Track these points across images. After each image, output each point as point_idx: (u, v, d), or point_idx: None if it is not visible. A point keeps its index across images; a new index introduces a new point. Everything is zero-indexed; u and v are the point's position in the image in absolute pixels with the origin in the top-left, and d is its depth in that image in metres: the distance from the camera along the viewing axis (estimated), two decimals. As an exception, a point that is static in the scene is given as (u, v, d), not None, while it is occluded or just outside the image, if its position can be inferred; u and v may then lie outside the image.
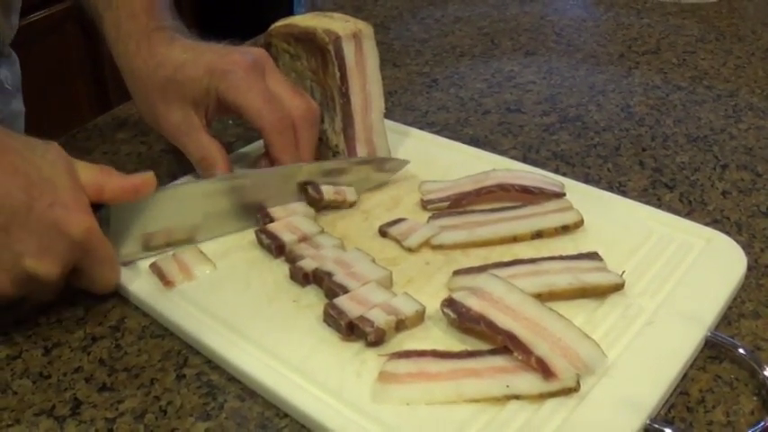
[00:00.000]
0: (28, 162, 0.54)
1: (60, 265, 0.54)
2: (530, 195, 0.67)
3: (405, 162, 0.72)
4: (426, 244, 0.62)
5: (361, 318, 0.53)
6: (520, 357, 0.49)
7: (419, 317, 0.54)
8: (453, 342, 0.53)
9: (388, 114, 0.75)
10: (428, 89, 0.95)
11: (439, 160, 0.75)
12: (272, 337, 0.54)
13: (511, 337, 0.50)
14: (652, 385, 0.49)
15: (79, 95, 1.93)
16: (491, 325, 0.51)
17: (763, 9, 1.18)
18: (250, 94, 0.66)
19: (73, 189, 0.55)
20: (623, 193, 0.71)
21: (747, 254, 0.60)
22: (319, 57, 0.70)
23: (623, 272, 0.57)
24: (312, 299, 0.58)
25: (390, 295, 0.55)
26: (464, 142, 0.79)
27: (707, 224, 0.65)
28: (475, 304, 0.53)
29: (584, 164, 0.77)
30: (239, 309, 0.57)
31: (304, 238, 0.62)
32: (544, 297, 0.54)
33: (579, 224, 0.63)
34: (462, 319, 0.52)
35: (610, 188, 0.72)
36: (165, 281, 0.59)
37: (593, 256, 0.59)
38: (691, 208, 0.70)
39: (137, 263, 0.62)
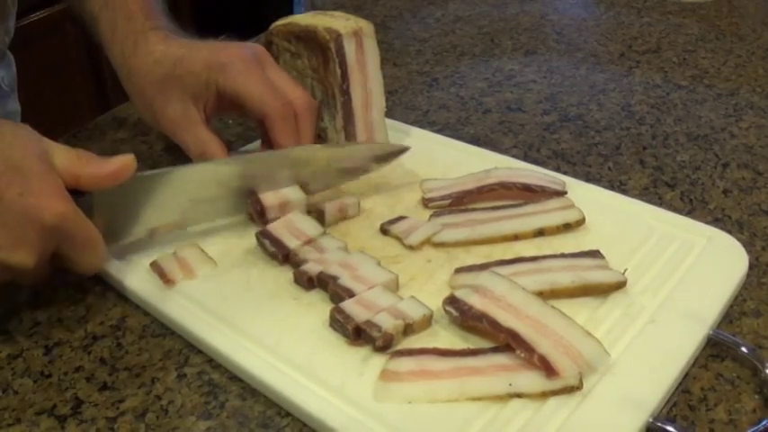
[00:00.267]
0: None
1: (35, 253, 0.53)
2: (531, 193, 0.67)
3: (404, 148, 0.70)
4: (428, 242, 0.62)
5: (368, 322, 0.52)
6: (522, 355, 0.49)
7: (427, 321, 0.54)
8: (455, 340, 0.53)
9: (389, 114, 0.75)
10: (429, 88, 0.95)
11: (440, 159, 0.74)
12: (273, 336, 0.54)
13: (513, 335, 0.50)
14: (654, 383, 0.49)
15: (79, 95, 1.92)
16: (493, 323, 0.51)
17: (763, 8, 1.18)
18: (251, 82, 0.66)
19: (44, 175, 0.53)
20: (624, 192, 0.71)
21: (748, 252, 0.60)
22: (320, 55, 0.70)
23: (625, 270, 0.57)
24: (313, 297, 0.58)
25: (397, 299, 0.55)
26: (465, 141, 0.79)
27: (708, 223, 0.65)
28: (477, 302, 0.53)
29: (584, 163, 0.77)
30: (240, 307, 0.57)
31: (308, 242, 0.62)
32: (546, 295, 0.54)
33: (581, 222, 0.63)
34: (464, 316, 0.52)
35: (611, 187, 0.72)
36: (166, 279, 0.59)
37: (594, 254, 0.59)
38: (692, 207, 0.70)
39: (135, 259, 0.62)
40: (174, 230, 0.63)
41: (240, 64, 0.67)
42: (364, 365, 0.51)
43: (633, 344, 0.52)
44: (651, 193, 0.72)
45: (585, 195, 0.67)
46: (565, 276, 0.56)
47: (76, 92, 1.92)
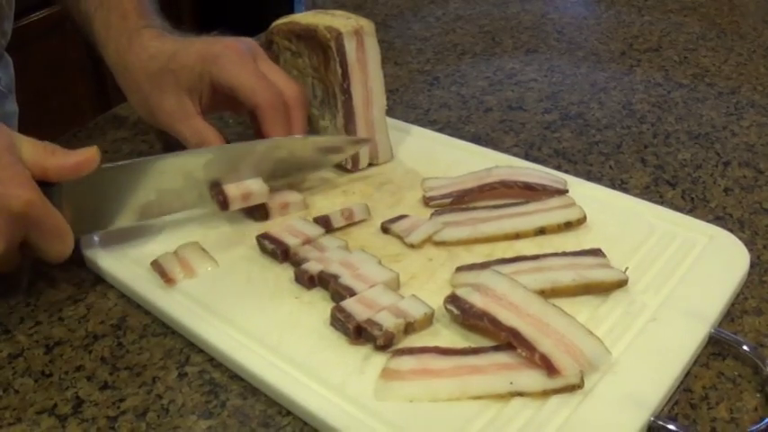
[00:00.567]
0: None
1: (4, 241, 0.53)
2: (532, 192, 0.66)
3: (363, 140, 0.71)
4: (429, 240, 0.62)
5: (369, 321, 0.52)
6: (523, 354, 0.49)
7: (428, 320, 0.54)
8: (456, 339, 0.53)
9: (390, 113, 0.75)
10: (430, 87, 0.95)
11: (441, 158, 0.74)
12: (274, 335, 0.54)
13: (514, 333, 0.50)
14: (655, 382, 0.49)
15: (79, 95, 1.92)
16: (494, 321, 0.51)
17: (763, 6, 1.18)
18: (243, 73, 0.67)
19: (11, 165, 0.54)
20: (625, 191, 0.71)
21: (750, 251, 0.60)
22: (321, 54, 0.70)
23: (626, 268, 0.57)
24: (314, 296, 0.58)
25: (398, 298, 0.55)
26: (466, 140, 0.79)
27: (709, 221, 0.65)
28: (478, 301, 0.52)
29: (585, 161, 0.77)
30: (241, 306, 0.57)
31: (308, 241, 0.62)
32: (547, 294, 0.54)
33: (582, 221, 0.63)
34: (466, 315, 0.52)
35: (612, 185, 0.72)
36: (167, 278, 0.59)
37: (596, 252, 0.59)
38: (693, 205, 0.69)
39: (136, 259, 0.62)
40: (143, 221, 0.64)
41: (233, 55, 0.67)
42: (365, 364, 0.51)
43: (634, 342, 0.52)
44: (652, 192, 0.72)
45: (586, 194, 0.67)
46: (566, 275, 0.56)
47: (76, 92, 1.92)
